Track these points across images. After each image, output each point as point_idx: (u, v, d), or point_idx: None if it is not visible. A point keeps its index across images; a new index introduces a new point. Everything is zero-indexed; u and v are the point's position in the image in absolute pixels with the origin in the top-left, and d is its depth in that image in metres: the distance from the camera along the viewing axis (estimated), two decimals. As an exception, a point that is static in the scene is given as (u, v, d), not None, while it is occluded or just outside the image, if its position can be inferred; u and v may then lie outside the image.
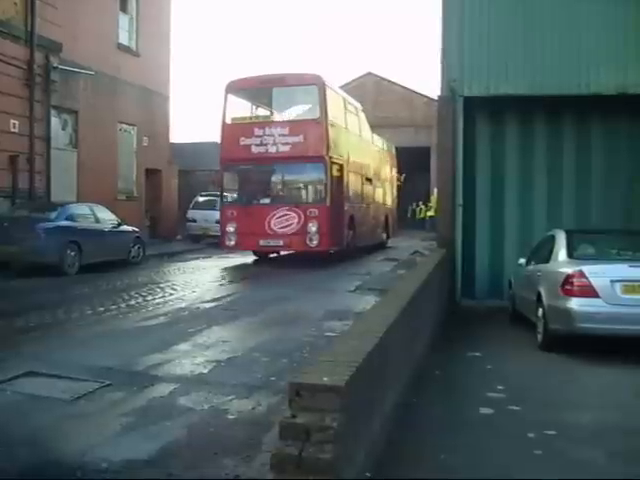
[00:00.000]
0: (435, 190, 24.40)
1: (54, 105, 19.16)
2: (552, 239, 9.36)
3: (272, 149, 17.83)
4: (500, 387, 6.50)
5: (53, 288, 12.95)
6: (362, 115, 22.83)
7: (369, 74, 42.77)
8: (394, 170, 28.64)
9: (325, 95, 17.76)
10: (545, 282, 8.68)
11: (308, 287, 13.60)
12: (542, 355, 8.20)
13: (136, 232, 18.25)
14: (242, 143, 18.02)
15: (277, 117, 19.58)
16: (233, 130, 18.37)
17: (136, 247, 17.94)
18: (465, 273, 12.20)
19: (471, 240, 12.42)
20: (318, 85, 17.83)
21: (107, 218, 17.07)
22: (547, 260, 9.06)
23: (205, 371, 6.89)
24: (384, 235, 25.17)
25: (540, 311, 8.57)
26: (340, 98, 20.09)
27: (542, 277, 8.88)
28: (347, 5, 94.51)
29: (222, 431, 5.13)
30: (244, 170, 18.68)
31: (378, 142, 25.59)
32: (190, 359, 7.44)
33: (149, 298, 11.75)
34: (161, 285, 13.71)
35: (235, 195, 19.01)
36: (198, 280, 14.96)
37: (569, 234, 9.17)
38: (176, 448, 4.79)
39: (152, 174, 24.68)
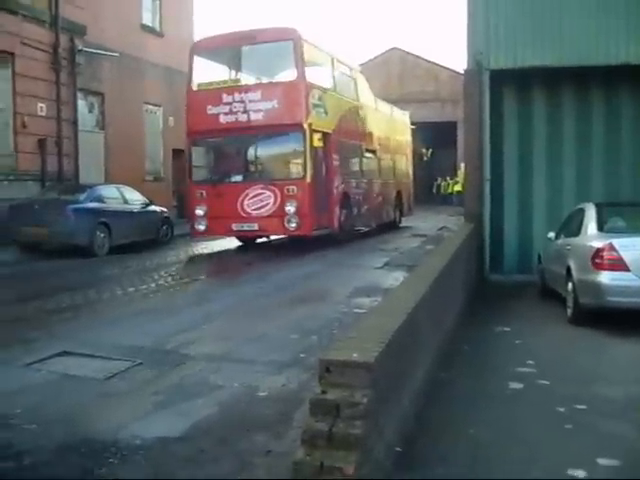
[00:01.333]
0: (462, 165, 24.20)
1: (80, 88, 19.32)
2: (581, 212, 9.25)
3: (242, 118, 15.43)
4: (529, 362, 6.47)
5: (83, 269, 13.12)
6: (360, 77, 20.10)
7: (394, 49, 42.46)
8: (408, 141, 25.93)
9: (302, 52, 15.24)
10: (575, 256, 8.60)
11: (334, 263, 13.64)
12: (572, 329, 8.15)
13: (164, 212, 18.35)
14: (209, 112, 15.67)
15: (248, 80, 16.90)
16: (200, 98, 16.03)
17: (164, 227, 18.05)
18: (493, 248, 12.14)
19: (499, 214, 12.33)
20: (294, 40, 15.29)
21: (135, 199, 17.16)
22: (577, 234, 8.96)
23: (235, 349, 6.95)
24: (396, 214, 22.62)
25: (570, 285, 8.50)
26: (326, 56, 17.36)
27: (572, 251, 8.80)
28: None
29: (253, 408, 5.19)
30: (213, 144, 16.67)
31: (385, 109, 22.96)
32: (220, 337, 7.51)
33: (178, 277, 11.85)
34: (189, 265, 13.81)
35: (204, 173, 16.74)
36: (225, 259, 15.04)
37: (599, 207, 9.05)
38: (207, 425, 4.84)
39: (179, 154, 24.72)
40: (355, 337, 3.86)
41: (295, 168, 15.48)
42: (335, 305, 9.23)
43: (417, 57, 41.84)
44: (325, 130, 16.01)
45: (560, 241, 9.65)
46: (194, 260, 14.89)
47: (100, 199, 15.88)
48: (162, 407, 5.19)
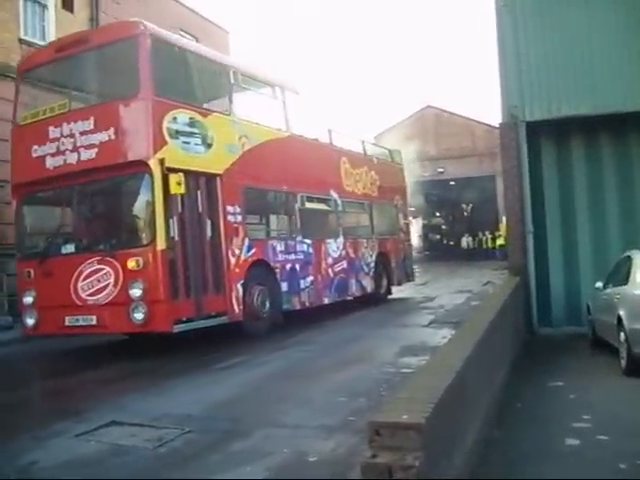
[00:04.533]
0: (504, 218, 24.00)
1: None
2: (629, 260, 9.09)
3: (72, 158, 10.72)
4: (585, 416, 6.29)
5: (126, 341, 13.18)
6: (293, 100, 14.41)
7: (428, 107, 43.01)
8: (401, 187, 20.02)
9: (151, 54, 10.44)
10: (625, 305, 8.41)
11: (379, 324, 13.54)
12: (627, 381, 7.92)
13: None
14: (35, 155, 11.14)
15: (80, 103, 11.78)
16: (25, 136, 11.57)
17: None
18: (540, 300, 11.95)
19: (544, 266, 12.17)
20: (138, 38, 10.53)
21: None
22: (625, 282, 8.78)
23: (283, 414, 6.88)
24: (380, 282, 17.44)
25: (622, 335, 8.29)
26: (211, 64, 12.40)
27: (621, 300, 8.61)
28: (401, 40, 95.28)
29: (303, 474, 5.11)
30: (41, 199, 12.08)
31: (354, 144, 17.43)
32: (268, 402, 7.45)
33: (223, 345, 11.82)
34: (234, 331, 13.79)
35: (33, 243, 12.03)
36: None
37: (646, 254, 8.90)
38: (259, 493, 4.78)
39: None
40: (404, 398, 3.80)
41: (140, 229, 10.53)
42: (382, 366, 9.13)
43: (451, 114, 42.28)
44: (204, 170, 11.15)
45: (609, 290, 9.47)
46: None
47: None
48: (212, 475, 5.14)
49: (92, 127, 10.60)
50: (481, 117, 41.35)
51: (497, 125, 12.95)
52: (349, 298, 15.92)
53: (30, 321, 11.14)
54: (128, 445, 5.98)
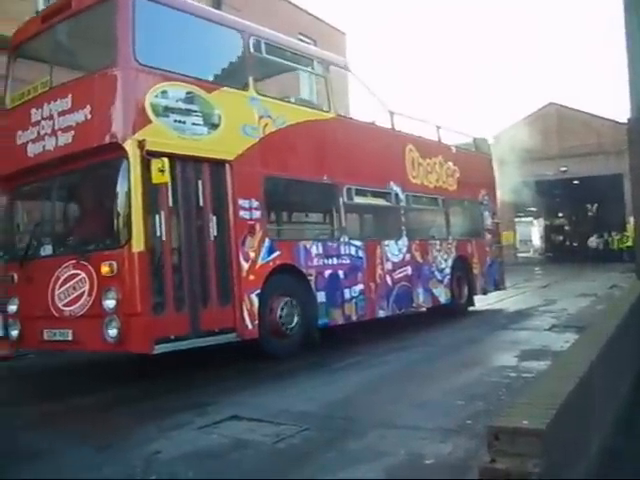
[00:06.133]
0: (631, 219, 22.87)
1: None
2: None
3: (50, 144, 9.13)
4: None
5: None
6: (341, 75, 12.75)
7: (551, 104, 41.78)
8: (488, 182, 17.09)
9: (132, 15, 8.56)
10: None
11: (496, 328, 13.27)
12: None
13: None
14: (19, 142, 9.66)
15: (60, 80, 9.70)
16: (11, 120, 10.14)
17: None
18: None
19: (675, 269, 11.55)
20: None
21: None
22: None
23: (399, 414, 6.86)
24: (459, 291, 15.07)
25: None
26: (214, 25, 10.10)
27: None
28: (520, 37, 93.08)
29: (420, 475, 5.08)
30: (26, 192, 10.33)
31: (426, 131, 14.82)
32: (383, 402, 7.45)
33: (340, 345, 11.90)
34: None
35: (18, 242, 10.30)
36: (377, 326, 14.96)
37: None
38: (375, 493, 4.79)
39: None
40: (524, 403, 3.72)
41: (114, 226, 8.51)
42: (502, 369, 8.95)
43: (575, 110, 40.83)
44: (207, 156, 9.25)
45: None
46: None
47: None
48: (329, 472, 5.20)
49: (70, 106, 8.95)
50: (606, 112, 39.78)
51: (625, 121, 12.38)
52: (422, 309, 14.27)
53: (13, 333, 9.78)
54: (248, 439, 6.13)
